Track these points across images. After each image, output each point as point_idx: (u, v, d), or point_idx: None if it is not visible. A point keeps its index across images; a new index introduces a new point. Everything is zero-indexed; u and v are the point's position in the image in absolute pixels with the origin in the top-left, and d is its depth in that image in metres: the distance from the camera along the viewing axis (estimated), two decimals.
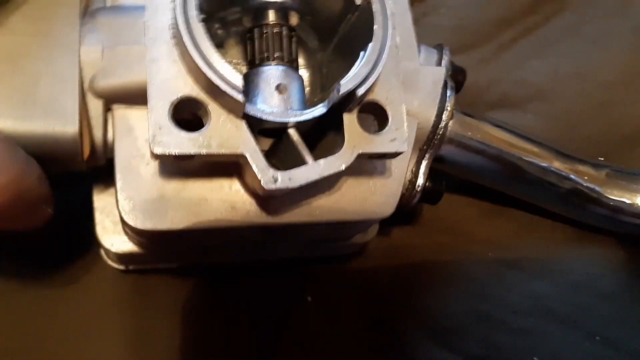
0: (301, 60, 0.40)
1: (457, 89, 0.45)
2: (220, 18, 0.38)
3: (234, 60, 0.40)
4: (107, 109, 0.34)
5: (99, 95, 0.33)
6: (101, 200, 0.41)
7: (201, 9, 0.31)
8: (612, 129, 0.58)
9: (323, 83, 0.40)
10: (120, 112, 0.34)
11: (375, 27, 0.32)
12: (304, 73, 0.40)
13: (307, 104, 0.35)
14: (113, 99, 0.34)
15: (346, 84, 0.31)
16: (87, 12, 0.35)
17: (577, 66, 0.61)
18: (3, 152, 0.29)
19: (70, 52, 0.33)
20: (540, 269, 0.52)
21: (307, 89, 0.40)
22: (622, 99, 0.60)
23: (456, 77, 0.45)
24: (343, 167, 0.32)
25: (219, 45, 0.39)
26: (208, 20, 0.36)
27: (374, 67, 0.32)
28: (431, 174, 0.42)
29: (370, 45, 0.32)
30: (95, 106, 0.34)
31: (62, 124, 0.32)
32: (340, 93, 0.31)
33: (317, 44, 0.40)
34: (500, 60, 0.61)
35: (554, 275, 0.51)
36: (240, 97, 0.29)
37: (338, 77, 0.37)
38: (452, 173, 0.46)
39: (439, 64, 0.43)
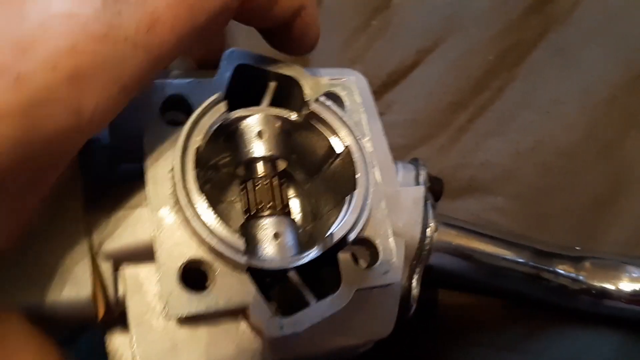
0: (291, 192, 0.43)
1: (437, 197, 0.49)
2: (212, 165, 0.41)
3: (229, 199, 0.43)
4: (116, 268, 0.37)
5: (107, 257, 0.36)
6: (114, 343, 0.43)
7: (198, 165, 0.34)
8: (580, 195, 0.61)
9: (314, 211, 0.43)
10: (129, 270, 0.36)
11: (357, 175, 0.36)
12: (295, 202, 0.43)
13: (300, 242, 0.38)
14: (121, 259, 0.36)
15: (337, 232, 0.34)
16: (89, 178, 0.37)
17: (536, 139, 0.63)
18: None
19: (77, 223, 0.35)
20: (532, 349, 0.54)
21: (299, 216, 0.43)
22: (583, 163, 0.62)
23: (434, 188, 0.49)
24: (343, 305, 0.34)
25: (215, 188, 0.42)
26: (201, 169, 0.40)
27: (361, 212, 0.35)
28: (423, 284, 0.45)
29: (355, 192, 0.35)
30: (106, 268, 0.36)
31: (76, 292, 0.34)
32: (334, 241, 0.34)
33: (303, 177, 0.43)
34: (460, 145, 0.64)
35: (546, 354, 0.52)
36: (243, 260, 0.32)
37: (327, 207, 0.41)
38: (443, 281, 0.49)
39: (417, 178, 0.47)
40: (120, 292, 0.37)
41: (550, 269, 0.49)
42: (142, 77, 0.27)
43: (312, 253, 0.35)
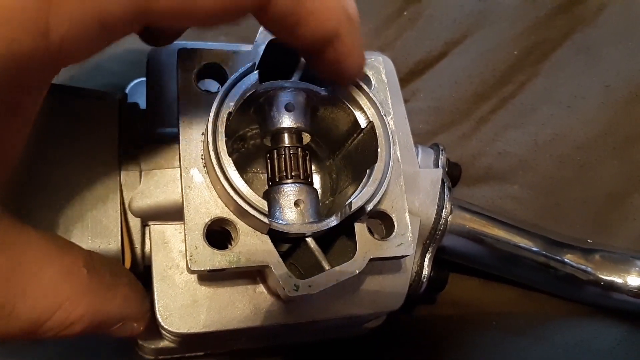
0: (313, 167, 0.45)
1: (454, 182, 0.50)
2: (240, 136, 0.43)
3: (254, 170, 0.44)
4: (144, 225, 0.39)
5: (136, 214, 0.38)
6: None
7: (227, 134, 0.36)
8: (595, 189, 0.62)
9: (333, 187, 0.44)
10: (156, 228, 0.39)
11: (379, 149, 0.37)
12: (315, 177, 0.45)
13: (320, 212, 0.39)
14: (149, 217, 0.38)
15: (356, 201, 0.36)
16: (126, 139, 0.40)
17: (554, 132, 0.65)
18: (77, 284, 0.30)
19: (111, 178, 0.38)
20: (539, 334, 0.55)
21: (319, 191, 0.45)
22: (600, 158, 0.64)
23: (452, 173, 0.50)
24: (357, 272, 0.36)
25: (241, 158, 0.44)
26: (230, 139, 0.42)
27: (379, 184, 0.36)
28: (435, 263, 0.46)
29: (375, 165, 0.37)
30: (135, 224, 0.38)
31: (106, 243, 0.36)
32: (352, 210, 0.35)
33: (326, 154, 0.45)
34: (480, 134, 0.65)
35: (553, 340, 0.54)
36: (265, 220, 0.34)
37: (347, 183, 0.42)
38: (454, 261, 0.50)
39: (436, 162, 0.48)
40: (147, 247, 0.39)
41: (560, 258, 0.50)
42: (126, 19, 0.25)
43: (331, 221, 0.36)
